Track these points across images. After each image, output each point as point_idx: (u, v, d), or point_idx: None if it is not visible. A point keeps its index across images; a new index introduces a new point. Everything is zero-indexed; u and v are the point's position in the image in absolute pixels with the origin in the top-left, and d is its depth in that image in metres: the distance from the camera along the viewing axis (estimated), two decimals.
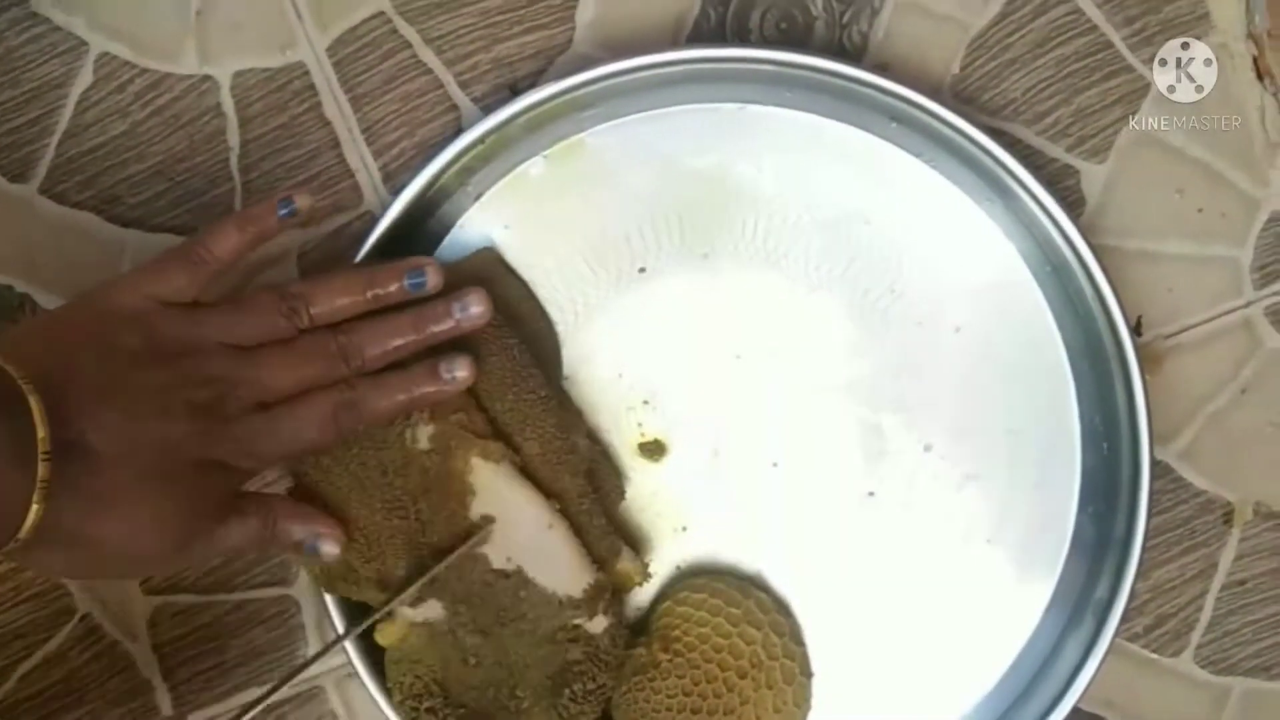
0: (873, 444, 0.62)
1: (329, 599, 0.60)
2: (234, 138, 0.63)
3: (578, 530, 0.59)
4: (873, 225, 0.62)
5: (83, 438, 0.48)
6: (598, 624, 0.58)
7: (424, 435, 0.57)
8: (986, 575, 0.62)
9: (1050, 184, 0.59)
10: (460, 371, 0.56)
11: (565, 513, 0.59)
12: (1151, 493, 0.59)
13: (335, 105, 0.64)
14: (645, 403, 0.63)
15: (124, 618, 0.65)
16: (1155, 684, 0.66)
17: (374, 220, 0.60)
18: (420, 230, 0.62)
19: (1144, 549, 0.59)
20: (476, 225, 0.62)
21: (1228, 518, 0.65)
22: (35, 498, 0.46)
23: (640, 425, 0.63)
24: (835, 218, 0.62)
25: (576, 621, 0.58)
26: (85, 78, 0.63)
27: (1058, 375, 0.62)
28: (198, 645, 0.65)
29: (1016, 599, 0.62)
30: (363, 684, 0.60)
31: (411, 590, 0.57)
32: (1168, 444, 0.65)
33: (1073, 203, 0.64)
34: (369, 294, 0.56)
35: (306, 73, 0.63)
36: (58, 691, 0.65)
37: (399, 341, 0.56)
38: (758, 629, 0.60)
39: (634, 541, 0.62)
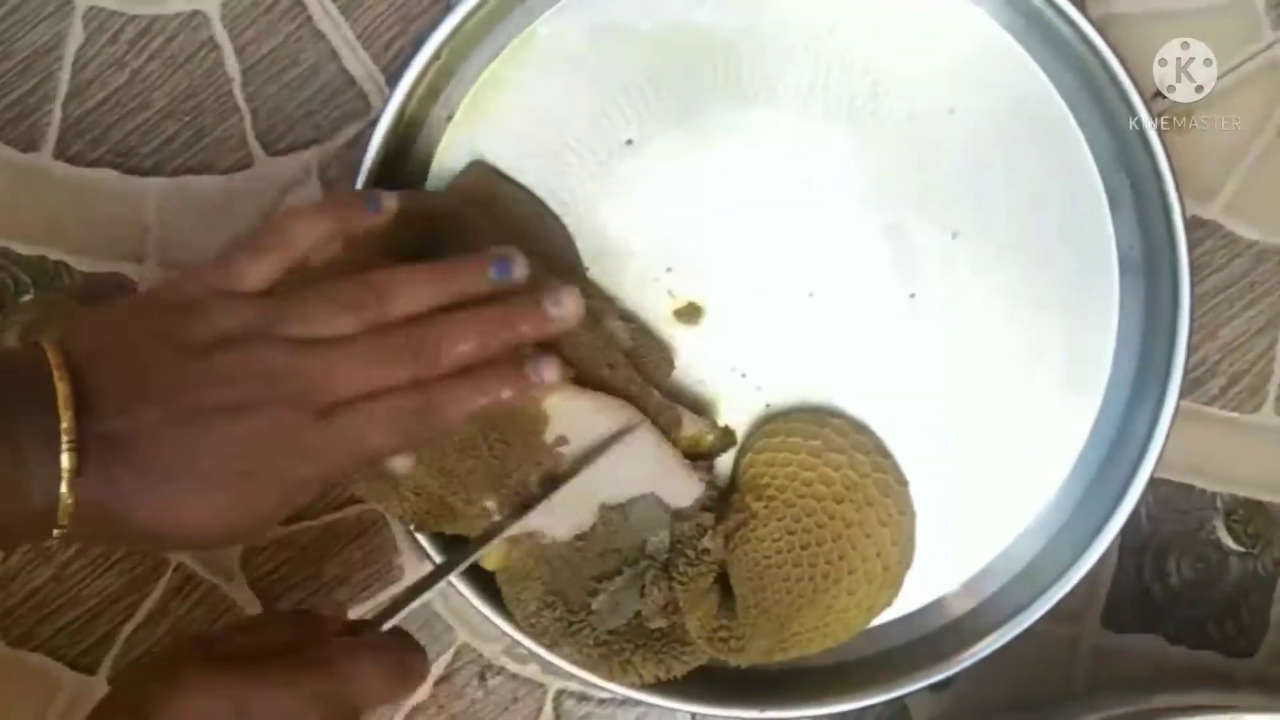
0: (900, 246, 0.62)
1: (421, 538, 0.60)
2: (233, 67, 0.64)
3: None
4: (838, 33, 0.61)
5: (117, 428, 0.46)
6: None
7: None
8: (1042, 345, 0.62)
9: None
10: (549, 373, 0.51)
11: None
12: (1188, 226, 0.58)
13: (326, 16, 0.64)
14: (668, 270, 0.62)
15: (217, 561, 0.65)
16: (1240, 443, 0.65)
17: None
18: (405, 165, 0.62)
19: (1198, 307, 0.59)
20: (458, 145, 0.62)
21: None
22: (64, 487, 0.45)
23: (670, 293, 0.63)
24: (798, 36, 0.61)
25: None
26: (76, 36, 0.64)
27: (1066, 134, 0.61)
28: (293, 575, 0.66)
29: (1076, 371, 0.62)
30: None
31: (511, 529, 0.57)
32: (1211, 200, 0.64)
33: None
34: (454, 288, 0.51)
35: None
36: None
37: (483, 340, 0.50)
38: (840, 453, 0.60)
39: (696, 406, 0.62)
